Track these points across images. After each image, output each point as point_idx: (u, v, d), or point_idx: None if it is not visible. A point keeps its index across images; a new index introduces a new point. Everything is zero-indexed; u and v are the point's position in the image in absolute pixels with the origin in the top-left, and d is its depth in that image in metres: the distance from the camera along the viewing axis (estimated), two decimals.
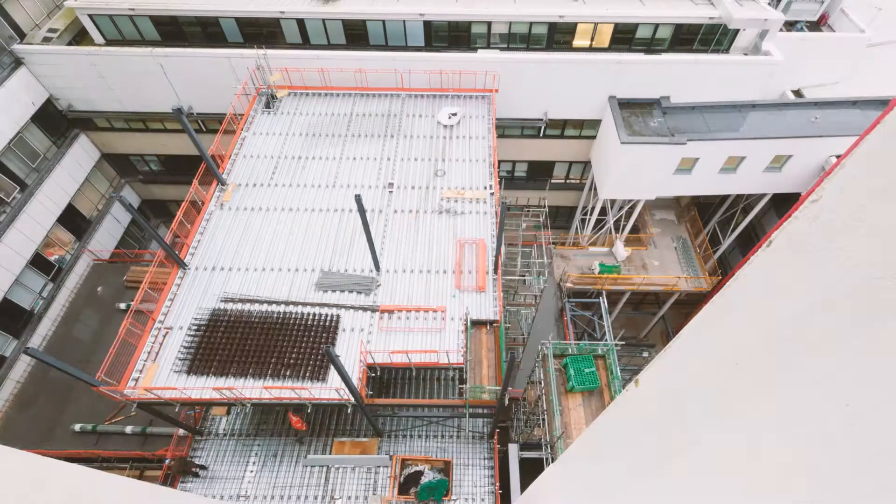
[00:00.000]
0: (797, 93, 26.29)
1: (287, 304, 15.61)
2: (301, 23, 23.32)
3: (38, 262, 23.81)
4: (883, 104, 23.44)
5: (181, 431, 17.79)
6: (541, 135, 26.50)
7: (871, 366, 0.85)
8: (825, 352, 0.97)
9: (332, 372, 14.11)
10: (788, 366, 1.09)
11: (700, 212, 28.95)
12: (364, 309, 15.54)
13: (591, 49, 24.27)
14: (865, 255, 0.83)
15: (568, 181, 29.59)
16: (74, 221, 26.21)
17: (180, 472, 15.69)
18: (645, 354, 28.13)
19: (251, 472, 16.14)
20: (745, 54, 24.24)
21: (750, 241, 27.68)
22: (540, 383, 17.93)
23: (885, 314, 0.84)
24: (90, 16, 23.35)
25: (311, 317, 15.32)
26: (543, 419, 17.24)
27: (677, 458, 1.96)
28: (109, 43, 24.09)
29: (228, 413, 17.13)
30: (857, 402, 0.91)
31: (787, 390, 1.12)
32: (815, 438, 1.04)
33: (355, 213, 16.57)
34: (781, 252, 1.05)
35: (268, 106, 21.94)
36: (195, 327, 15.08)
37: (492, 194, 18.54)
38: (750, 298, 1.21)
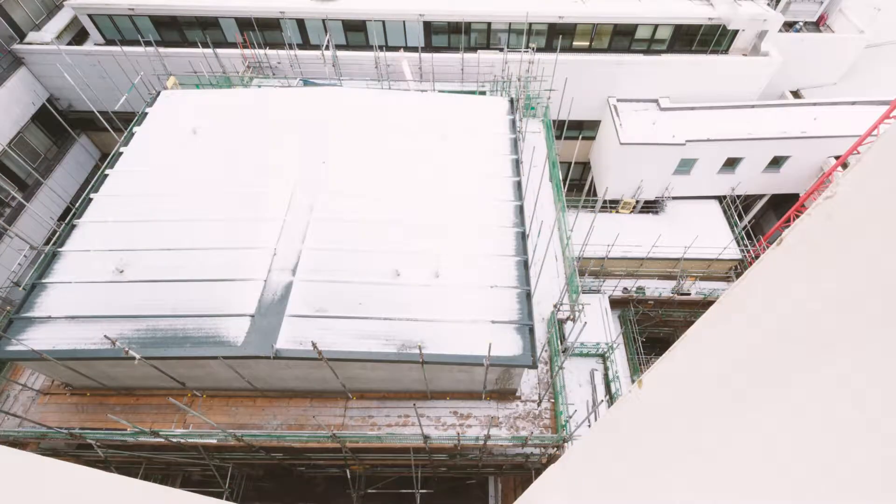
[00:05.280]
0: (796, 93, 26.33)
1: None
2: (301, 23, 23.32)
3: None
4: (882, 104, 23.47)
5: None
6: None
7: (888, 368, 0.84)
8: (840, 353, 0.96)
9: None
10: (801, 367, 1.08)
11: None
12: None
13: (590, 49, 24.29)
14: (883, 254, 0.82)
15: (567, 182, 29.59)
16: None
17: None
18: None
19: None
20: (745, 55, 24.26)
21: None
22: None
23: None
24: (90, 15, 23.34)
25: None
26: None
27: (682, 461, 1.95)
28: (109, 43, 24.07)
29: None
30: (873, 404, 0.90)
31: (799, 392, 1.11)
32: (829, 442, 1.03)
33: None
34: (793, 250, 1.05)
35: None
36: None
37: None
38: (760, 298, 1.20)
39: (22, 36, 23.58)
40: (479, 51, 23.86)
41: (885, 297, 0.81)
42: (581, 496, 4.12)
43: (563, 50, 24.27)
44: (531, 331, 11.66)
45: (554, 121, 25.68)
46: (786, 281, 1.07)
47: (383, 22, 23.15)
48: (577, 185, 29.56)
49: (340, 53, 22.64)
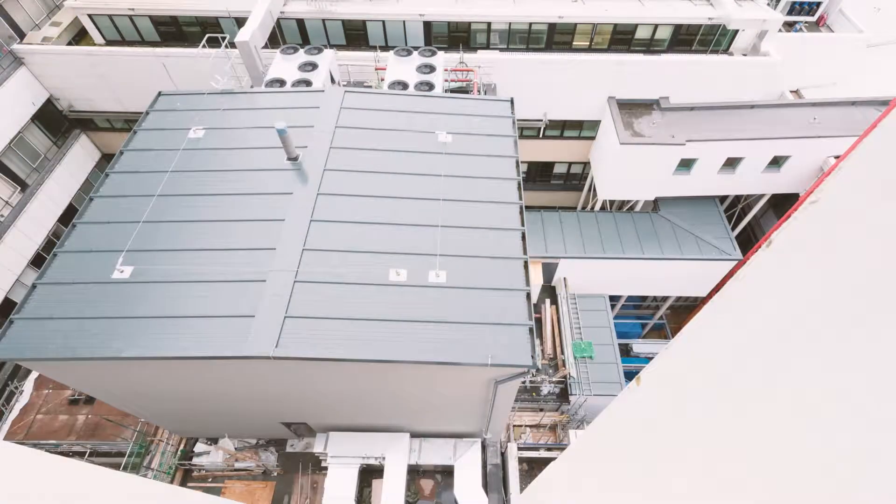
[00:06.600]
0: (796, 93, 26.34)
1: None
2: (301, 23, 23.34)
3: (40, 262, 23.82)
4: (882, 104, 23.50)
5: None
6: (540, 135, 26.52)
7: (872, 364, 0.87)
8: (826, 350, 0.99)
9: None
10: (789, 364, 1.11)
11: None
12: None
13: (590, 49, 24.31)
14: (865, 254, 0.85)
15: (568, 182, 29.62)
16: None
17: None
18: None
19: None
20: (745, 55, 24.28)
21: (749, 242, 27.71)
22: None
23: (885, 313, 0.85)
24: (90, 16, 23.37)
25: None
26: None
27: (679, 458, 1.98)
28: (109, 43, 24.10)
29: None
30: (858, 399, 0.93)
31: (787, 388, 1.14)
32: (817, 437, 1.06)
33: None
34: (782, 252, 1.08)
35: None
36: None
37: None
38: (751, 298, 1.23)
39: (22, 36, 23.61)
40: (479, 51, 23.89)
41: (866, 295, 0.84)
42: (581, 495, 4.15)
43: (564, 50, 24.32)
44: (531, 331, 11.70)
45: (553, 120, 25.74)
46: (774, 282, 1.10)
47: (383, 22, 23.18)
48: (576, 185, 29.59)
49: (340, 53, 22.67)
